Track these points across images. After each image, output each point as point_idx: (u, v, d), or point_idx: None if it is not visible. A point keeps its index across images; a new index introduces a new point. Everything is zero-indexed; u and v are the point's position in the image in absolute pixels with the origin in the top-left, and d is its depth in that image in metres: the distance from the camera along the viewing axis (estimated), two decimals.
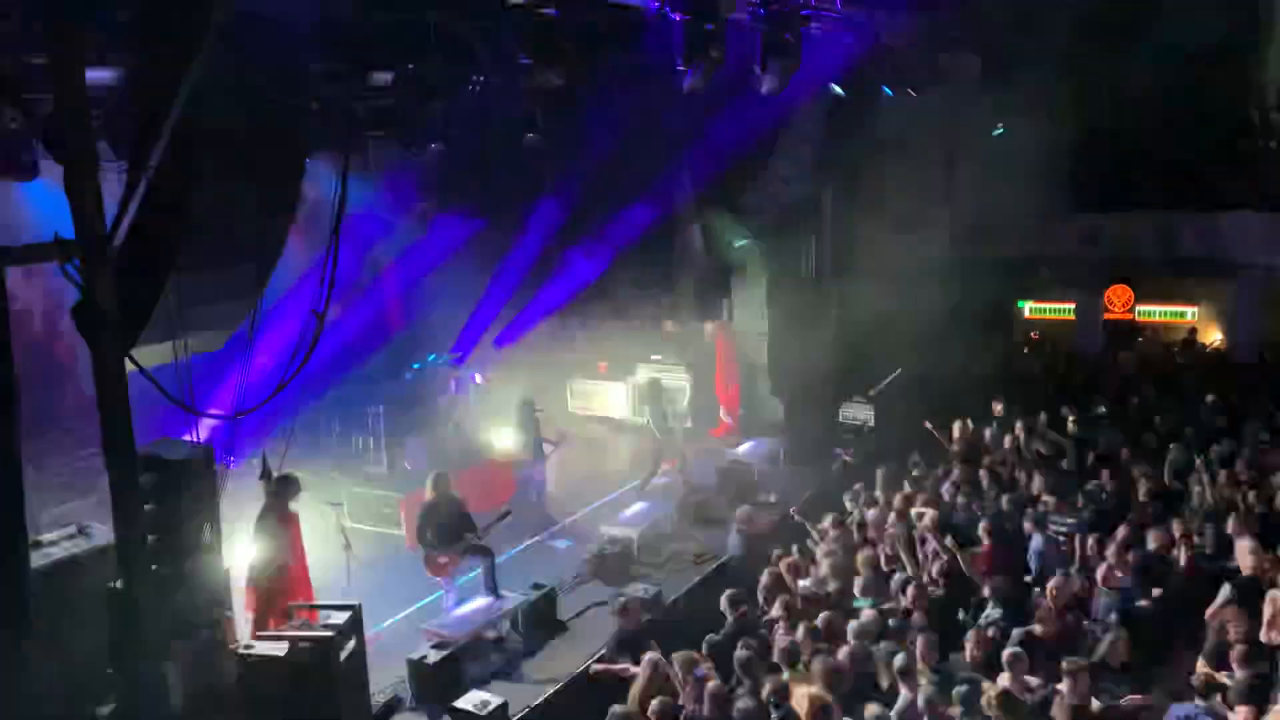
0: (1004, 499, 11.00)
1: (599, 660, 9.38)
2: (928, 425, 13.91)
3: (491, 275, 17.50)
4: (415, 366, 14.64)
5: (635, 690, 8.02)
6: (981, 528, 10.07)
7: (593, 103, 14.71)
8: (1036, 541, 9.99)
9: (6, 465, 5.75)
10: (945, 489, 11.51)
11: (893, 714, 7.23)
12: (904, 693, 7.35)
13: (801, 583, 9.63)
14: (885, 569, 9.83)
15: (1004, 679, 7.41)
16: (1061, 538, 10.20)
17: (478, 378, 15.80)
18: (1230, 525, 9.66)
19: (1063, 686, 7.16)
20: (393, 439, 13.63)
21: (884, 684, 7.74)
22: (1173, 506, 10.89)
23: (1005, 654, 7.60)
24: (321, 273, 6.86)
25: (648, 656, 8.16)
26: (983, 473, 11.98)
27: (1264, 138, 18.62)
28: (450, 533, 10.66)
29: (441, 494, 10.76)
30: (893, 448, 14.50)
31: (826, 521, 11.20)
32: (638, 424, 17.22)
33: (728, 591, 9.49)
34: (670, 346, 17.82)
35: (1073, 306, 21.30)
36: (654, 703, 7.50)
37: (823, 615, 8.64)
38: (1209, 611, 8.42)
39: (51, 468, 11.16)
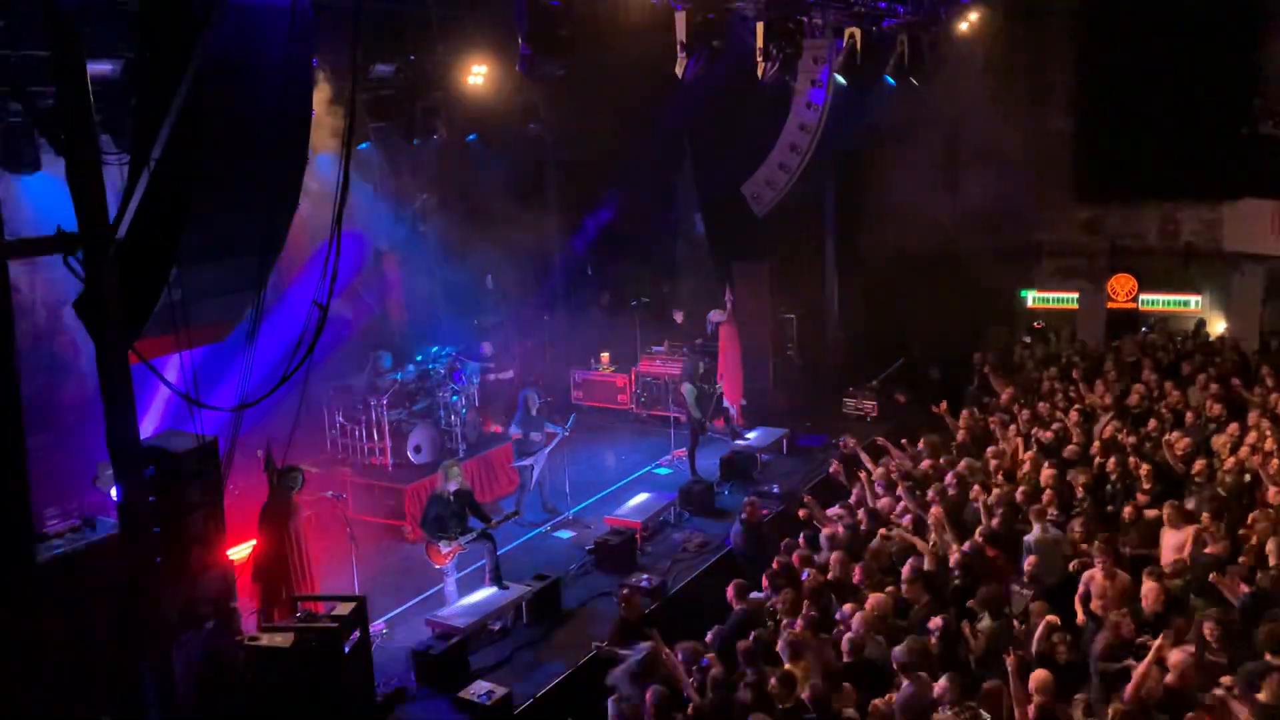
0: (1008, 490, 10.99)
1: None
2: (942, 409, 13.91)
3: (495, 265, 17.48)
4: (419, 358, 14.63)
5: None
6: (981, 530, 10.01)
7: (595, 93, 14.69)
8: (1035, 531, 9.95)
9: (11, 458, 5.75)
10: (950, 479, 11.48)
11: (895, 705, 7.24)
12: (905, 684, 7.35)
13: (808, 571, 9.61)
14: (893, 558, 9.79)
15: None
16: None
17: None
18: None
19: None
20: (397, 430, 13.64)
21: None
22: (1176, 493, 10.87)
23: None
24: (324, 265, 6.85)
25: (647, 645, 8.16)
26: (988, 462, 11.96)
27: (1267, 125, 18.54)
28: (458, 522, 10.69)
29: (452, 483, 10.78)
30: (896, 437, 14.48)
31: (833, 511, 11.21)
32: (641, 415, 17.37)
33: (734, 581, 9.50)
34: (674, 337, 17.81)
35: (1076, 296, 21.28)
36: (651, 692, 7.52)
37: (843, 607, 8.65)
38: None
39: (56, 460, 11.17)
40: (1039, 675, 7.15)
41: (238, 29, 6.47)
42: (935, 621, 8.12)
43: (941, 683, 7.05)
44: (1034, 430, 12.91)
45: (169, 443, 7.22)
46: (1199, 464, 11.21)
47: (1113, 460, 11.50)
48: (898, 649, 7.60)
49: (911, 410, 16.29)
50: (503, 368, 16.31)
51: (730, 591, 9.35)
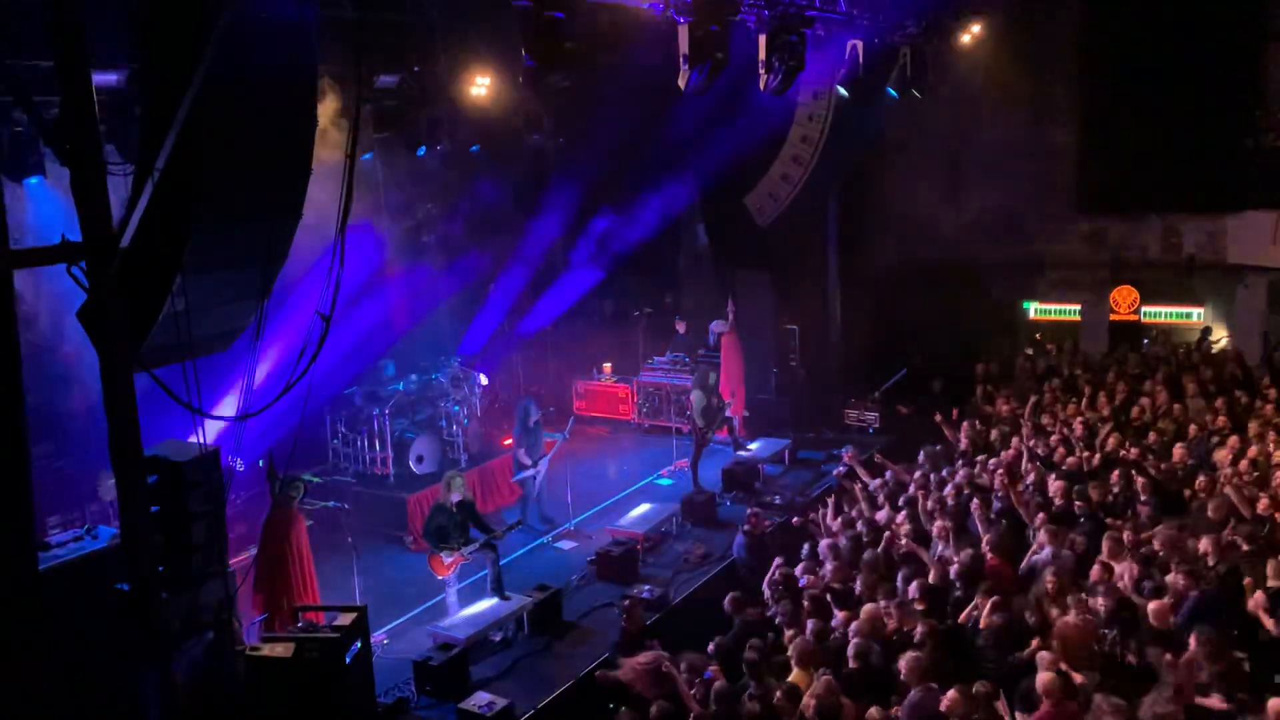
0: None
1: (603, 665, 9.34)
2: (944, 420, 13.91)
3: (498, 276, 17.52)
4: (421, 368, 14.66)
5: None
6: (985, 541, 9.98)
7: (598, 104, 14.75)
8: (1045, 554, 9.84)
9: (15, 467, 5.76)
10: (949, 491, 11.47)
11: (901, 713, 7.22)
12: (913, 693, 7.34)
13: (809, 582, 9.61)
14: (894, 569, 9.77)
15: None
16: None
17: (482, 379, 15.85)
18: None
19: None
20: (398, 440, 13.65)
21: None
22: (1177, 507, 10.85)
23: None
24: (327, 275, 6.87)
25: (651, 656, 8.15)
26: (990, 474, 11.95)
27: (1269, 136, 18.57)
28: (460, 532, 10.69)
29: (455, 494, 10.79)
30: (898, 448, 14.49)
31: (835, 523, 11.20)
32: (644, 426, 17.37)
33: (733, 593, 9.49)
34: (677, 347, 17.82)
35: (1078, 308, 21.29)
36: (655, 706, 7.51)
37: (837, 616, 8.63)
38: None
39: (59, 469, 11.19)
40: (1045, 678, 7.11)
41: (242, 40, 6.49)
42: (920, 630, 8.11)
43: (951, 694, 7.04)
44: (1035, 442, 12.90)
45: (171, 452, 7.23)
46: (1200, 478, 11.20)
47: (1115, 474, 11.49)
48: (904, 659, 7.59)
49: (913, 421, 16.29)
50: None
51: (731, 603, 9.34)
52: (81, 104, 6.03)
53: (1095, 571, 8.92)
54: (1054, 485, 11.11)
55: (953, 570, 9.32)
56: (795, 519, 11.33)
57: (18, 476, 5.78)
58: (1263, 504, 10.19)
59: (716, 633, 8.93)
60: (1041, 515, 10.33)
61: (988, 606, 8.38)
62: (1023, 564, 9.70)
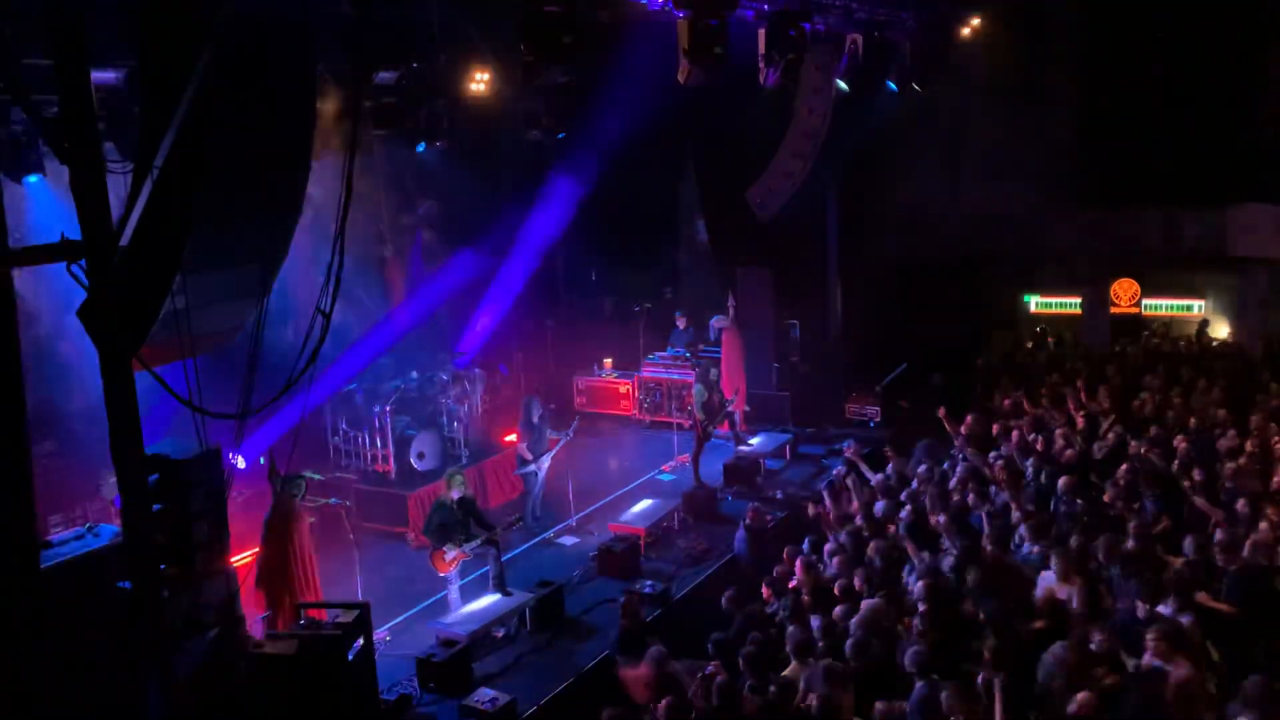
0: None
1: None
2: (942, 414, 13.89)
3: (497, 273, 17.50)
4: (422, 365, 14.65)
5: (641, 689, 8.00)
6: (986, 535, 9.96)
7: (597, 99, 14.72)
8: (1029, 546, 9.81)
9: (16, 466, 5.77)
10: (951, 485, 11.46)
11: (907, 708, 7.21)
12: (918, 686, 7.33)
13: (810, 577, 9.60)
14: (894, 564, 9.77)
15: None
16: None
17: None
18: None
19: None
20: (400, 438, 13.64)
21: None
22: (1178, 501, 10.82)
23: None
24: (327, 273, 6.87)
25: (651, 652, 8.15)
26: (991, 468, 11.93)
27: (1269, 129, 18.56)
28: (461, 529, 10.69)
29: (455, 491, 10.79)
30: (900, 441, 14.48)
31: (834, 516, 11.18)
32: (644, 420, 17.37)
33: (730, 589, 9.49)
34: (678, 342, 17.81)
35: (1079, 301, 21.29)
36: (663, 703, 7.51)
37: (838, 610, 8.63)
38: None
39: (60, 468, 11.20)
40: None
41: (241, 38, 6.50)
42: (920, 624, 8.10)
43: (945, 693, 7.04)
44: (1036, 436, 12.88)
45: (171, 450, 7.23)
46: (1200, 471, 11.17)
47: (1120, 467, 11.46)
48: (909, 653, 7.58)
49: (914, 415, 16.28)
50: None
51: (729, 599, 9.33)
52: (81, 103, 6.03)
53: None
54: (1060, 480, 11.09)
55: (949, 564, 9.33)
56: (812, 510, 11.29)
57: (19, 475, 5.79)
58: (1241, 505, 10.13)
59: (718, 628, 8.93)
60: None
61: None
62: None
